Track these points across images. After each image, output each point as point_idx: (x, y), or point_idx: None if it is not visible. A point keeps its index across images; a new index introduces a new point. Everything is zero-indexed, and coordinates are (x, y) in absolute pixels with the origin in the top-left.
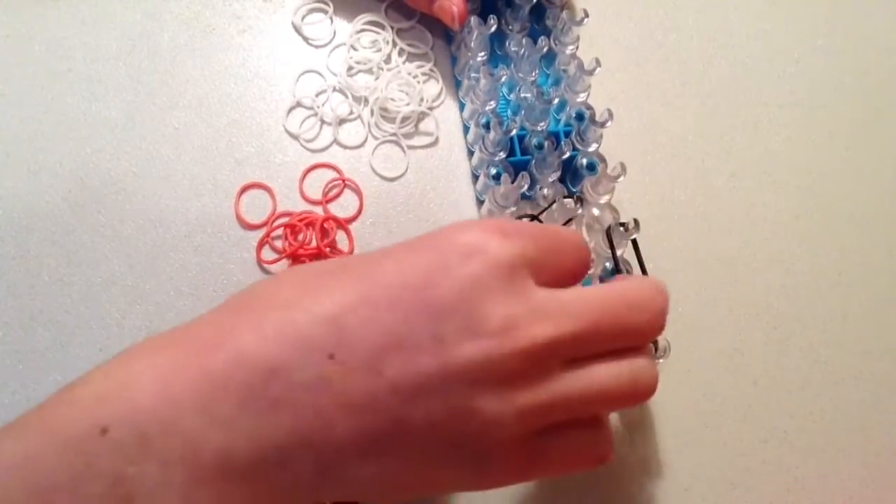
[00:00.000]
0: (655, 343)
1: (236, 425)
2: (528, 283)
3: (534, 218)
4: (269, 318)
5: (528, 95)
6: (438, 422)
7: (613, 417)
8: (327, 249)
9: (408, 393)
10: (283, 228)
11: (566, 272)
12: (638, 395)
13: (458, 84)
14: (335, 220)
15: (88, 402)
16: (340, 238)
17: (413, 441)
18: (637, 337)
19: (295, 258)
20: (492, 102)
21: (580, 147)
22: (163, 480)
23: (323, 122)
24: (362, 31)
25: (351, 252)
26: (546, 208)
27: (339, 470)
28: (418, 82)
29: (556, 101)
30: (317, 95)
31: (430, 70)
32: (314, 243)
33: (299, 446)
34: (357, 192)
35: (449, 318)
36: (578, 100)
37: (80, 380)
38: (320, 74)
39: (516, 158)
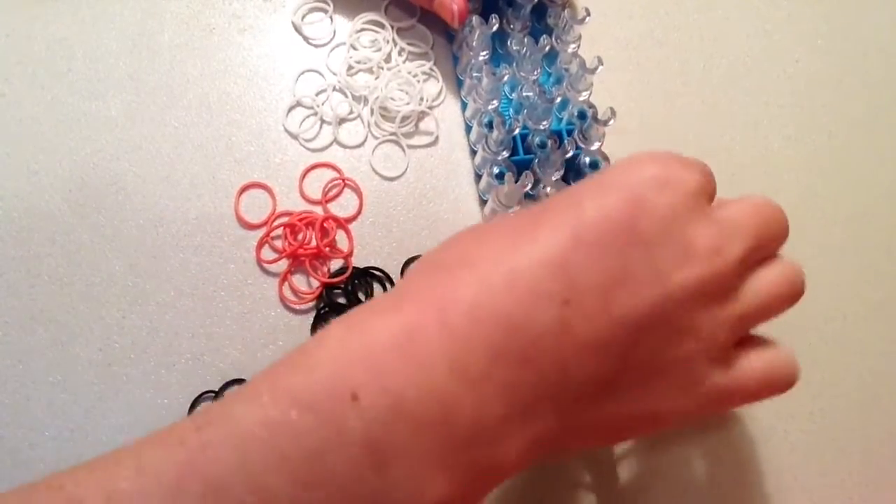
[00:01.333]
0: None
1: (487, 386)
2: (708, 205)
3: None
4: (492, 270)
5: (531, 94)
6: (662, 349)
7: None
8: (327, 249)
9: (634, 327)
10: (282, 228)
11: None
12: (796, 292)
13: (459, 83)
14: (335, 219)
15: (332, 366)
16: (340, 238)
17: (640, 375)
18: (776, 243)
19: (294, 258)
20: (494, 101)
21: (583, 146)
22: (417, 445)
23: (323, 121)
24: (362, 30)
25: (350, 253)
26: None
27: (575, 417)
28: (418, 82)
29: (559, 99)
30: (317, 95)
31: (431, 69)
32: (314, 243)
33: (544, 398)
34: (357, 191)
35: (660, 248)
36: (580, 98)
37: (313, 342)
38: (320, 74)
39: (519, 157)
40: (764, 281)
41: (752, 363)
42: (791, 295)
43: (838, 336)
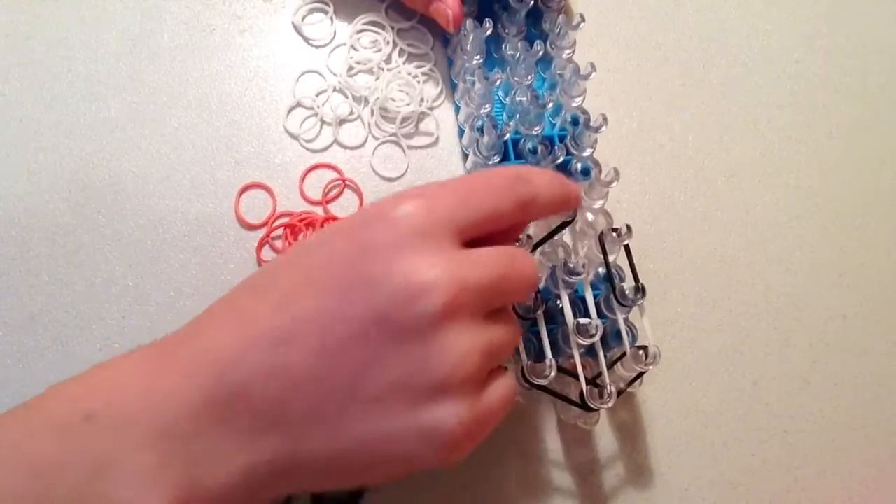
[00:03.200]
0: (646, 350)
1: (207, 420)
2: (448, 243)
3: (543, 241)
4: (232, 319)
5: (524, 99)
6: (388, 387)
7: (612, 420)
8: None
9: (355, 364)
10: (282, 228)
11: (495, 224)
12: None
13: (454, 87)
14: (335, 219)
15: (77, 392)
16: None
17: (364, 411)
18: (512, 297)
19: None
20: (487, 106)
21: (574, 152)
22: (138, 463)
23: (323, 122)
24: (362, 31)
25: None
26: None
27: (299, 450)
28: (418, 82)
29: (552, 105)
30: (317, 95)
31: (430, 70)
32: None
33: (265, 430)
34: (357, 192)
35: (380, 286)
36: (574, 104)
37: (78, 375)
38: (320, 74)
39: (510, 162)
40: (489, 329)
41: (492, 394)
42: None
43: (838, 336)
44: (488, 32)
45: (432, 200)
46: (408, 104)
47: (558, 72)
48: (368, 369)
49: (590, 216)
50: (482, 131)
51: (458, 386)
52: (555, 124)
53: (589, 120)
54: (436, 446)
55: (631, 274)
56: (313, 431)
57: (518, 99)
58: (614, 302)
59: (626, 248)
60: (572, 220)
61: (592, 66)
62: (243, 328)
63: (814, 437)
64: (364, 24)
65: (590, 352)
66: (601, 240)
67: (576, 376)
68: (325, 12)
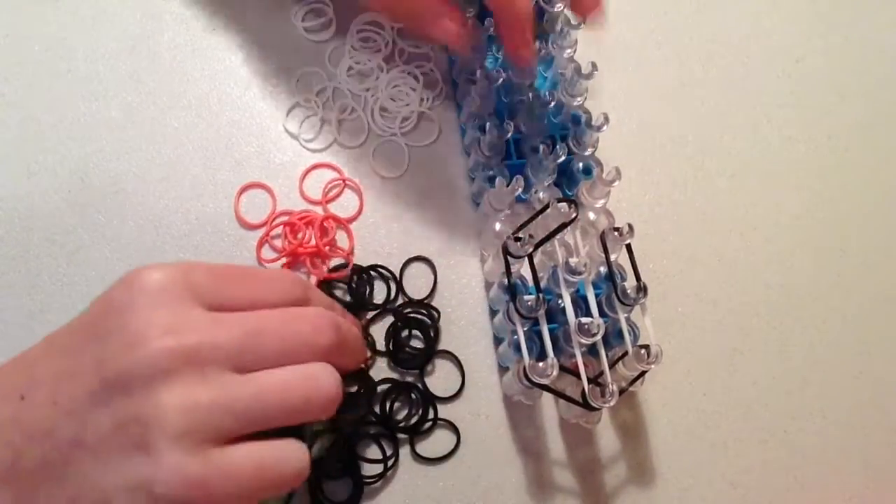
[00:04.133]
0: (647, 349)
1: None
2: (188, 304)
3: (526, 224)
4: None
5: (525, 98)
6: (109, 433)
7: (613, 419)
8: (326, 248)
9: (79, 414)
10: (282, 227)
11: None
12: (317, 396)
13: (454, 86)
14: (335, 218)
15: None
16: (341, 239)
17: (90, 458)
18: (307, 351)
19: (294, 257)
20: (488, 105)
21: (576, 150)
22: None
23: (323, 121)
24: (362, 30)
25: (351, 251)
26: (540, 212)
27: (35, 500)
28: (418, 82)
29: (553, 104)
30: (317, 95)
31: (430, 70)
32: (313, 242)
33: (3, 481)
34: (357, 191)
35: (108, 340)
36: (575, 103)
37: None
38: (320, 74)
39: (512, 161)
40: (266, 378)
41: (244, 456)
42: (308, 397)
43: (838, 336)
44: (490, 31)
45: (181, 269)
46: (407, 104)
47: (560, 71)
48: (91, 422)
49: (591, 215)
50: (484, 131)
51: (172, 440)
52: (556, 123)
53: (590, 119)
54: (150, 501)
55: (632, 273)
56: (43, 485)
57: (520, 98)
58: (616, 301)
59: (628, 247)
60: (573, 220)
61: (594, 65)
62: None
63: (814, 437)
64: (364, 23)
65: (591, 351)
66: (603, 239)
67: (578, 375)
68: (325, 12)
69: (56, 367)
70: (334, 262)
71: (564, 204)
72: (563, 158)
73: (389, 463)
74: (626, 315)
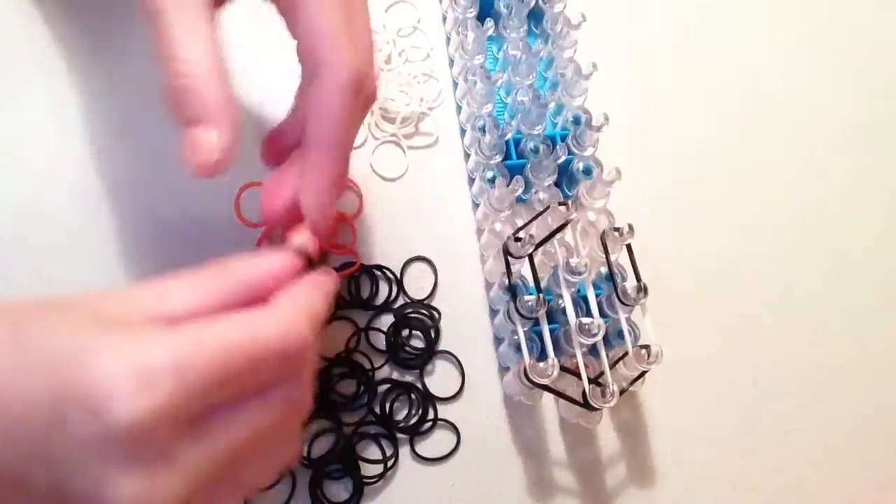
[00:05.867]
0: (648, 349)
1: None
2: (166, 459)
3: (526, 224)
4: None
5: (525, 99)
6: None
7: (614, 419)
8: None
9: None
10: (282, 227)
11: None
12: (294, 416)
13: (455, 87)
14: (338, 215)
15: None
16: (342, 236)
17: None
18: (276, 375)
19: None
20: (489, 105)
21: (576, 151)
22: None
23: None
24: None
25: (353, 244)
26: (541, 213)
27: None
28: (418, 83)
29: (553, 104)
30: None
31: (430, 71)
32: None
33: None
34: (357, 192)
35: (61, 472)
36: (575, 104)
37: None
38: None
39: (512, 162)
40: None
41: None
42: (289, 416)
43: (838, 336)
44: (489, 32)
45: (164, 398)
46: (407, 105)
47: (560, 71)
48: None
49: (591, 216)
50: (484, 131)
51: None
52: (556, 124)
53: (590, 119)
54: None
55: (633, 273)
56: None
57: (520, 99)
58: (616, 301)
59: (628, 247)
60: (572, 220)
61: (594, 65)
62: None
63: (814, 437)
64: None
65: (592, 351)
66: (603, 239)
67: (578, 375)
68: None
69: None
70: (336, 261)
71: (565, 205)
72: (563, 158)
73: (389, 463)
74: (626, 315)
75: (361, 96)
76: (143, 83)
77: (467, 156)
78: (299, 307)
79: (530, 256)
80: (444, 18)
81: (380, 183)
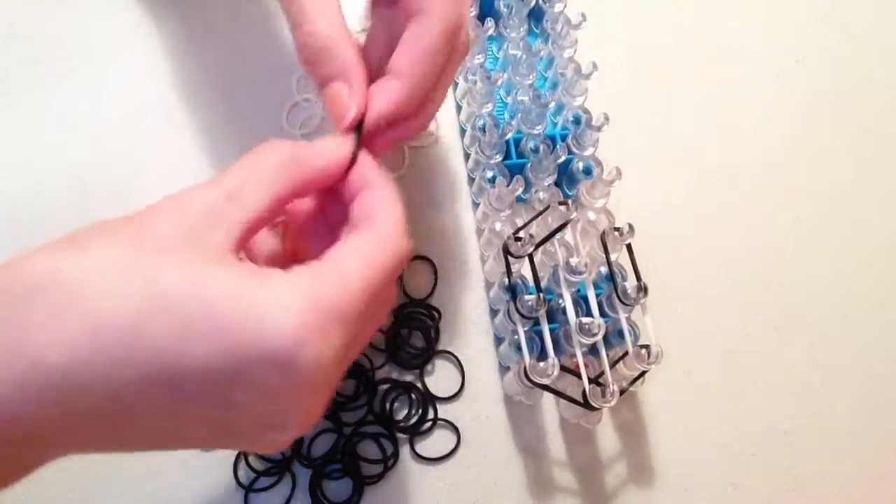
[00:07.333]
0: (648, 349)
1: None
2: (337, 375)
3: (526, 224)
4: None
5: (525, 99)
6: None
7: (614, 419)
8: None
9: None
10: (281, 227)
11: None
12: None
13: (455, 86)
14: None
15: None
16: None
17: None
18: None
19: (295, 255)
20: (489, 105)
21: (576, 151)
22: None
23: (323, 121)
24: (363, 30)
25: None
26: (541, 212)
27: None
28: None
29: (553, 104)
30: (317, 95)
31: None
32: None
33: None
34: None
35: (241, 413)
36: (575, 103)
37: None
38: None
39: (512, 161)
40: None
41: None
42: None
43: (838, 336)
44: (490, 32)
45: (342, 336)
46: None
47: (560, 71)
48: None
49: (592, 215)
50: (484, 130)
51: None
52: (556, 123)
53: (591, 119)
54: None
55: (633, 273)
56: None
57: (520, 98)
58: (616, 301)
59: (629, 247)
60: (572, 218)
61: (594, 65)
62: None
63: (814, 437)
64: (364, 23)
65: (592, 351)
66: (603, 239)
67: (578, 375)
68: None
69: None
70: None
71: (565, 204)
72: (563, 158)
73: (389, 463)
74: (626, 315)
75: (458, 45)
76: (142, 83)
77: (467, 156)
78: (399, 224)
79: (530, 256)
80: None
81: None
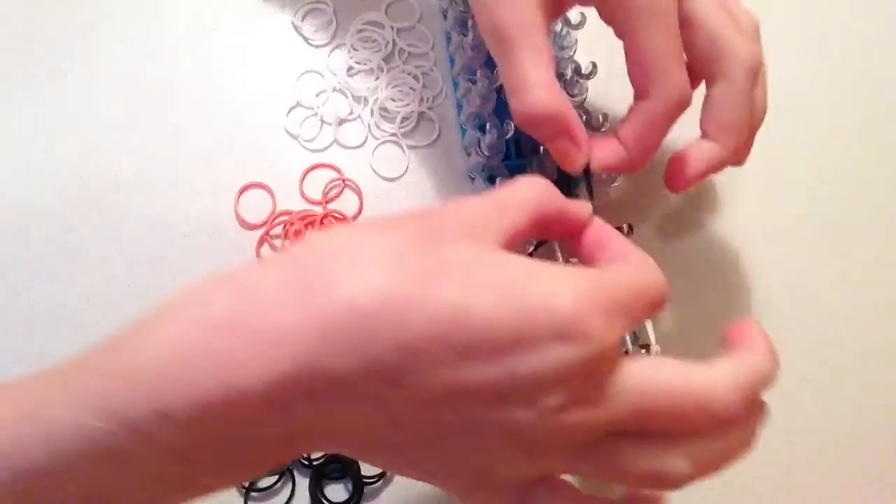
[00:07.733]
0: (648, 349)
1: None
2: (608, 373)
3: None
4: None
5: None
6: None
7: None
8: None
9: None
10: (282, 226)
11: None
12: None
13: (455, 86)
14: (336, 217)
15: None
16: None
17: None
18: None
19: None
20: (489, 105)
21: None
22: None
23: (323, 122)
24: (362, 30)
25: None
26: None
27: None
28: (418, 82)
29: None
30: (317, 95)
31: (431, 70)
32: None
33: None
34: (357, 192)
35: (516, 392)
36: (575, 103)
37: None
38: (320, 74)
39: (512, 162)
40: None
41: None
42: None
43: (838, 336)
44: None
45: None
46: (407, 104)
47: (560, 71)
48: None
49: None
50: (484, 130)
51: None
52: None
53: (590, 119)
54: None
55: None
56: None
57: None
58: None
59: None
60: None
61: (594, 65)
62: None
63: (814, 437)
64: (364, 23)
65: None
66: None
67: None
68: (325, 12)
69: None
70: None
71: None
72: None
73: None
74: None
75: (758, 82)
76: (142, 83)
77: (467, 155)
78: (656, 266)
79: (530, 256)
80: (445, 16)
81: (380, 183)
